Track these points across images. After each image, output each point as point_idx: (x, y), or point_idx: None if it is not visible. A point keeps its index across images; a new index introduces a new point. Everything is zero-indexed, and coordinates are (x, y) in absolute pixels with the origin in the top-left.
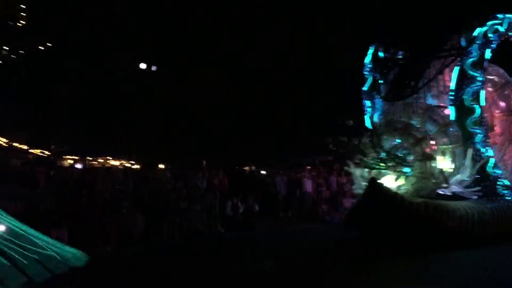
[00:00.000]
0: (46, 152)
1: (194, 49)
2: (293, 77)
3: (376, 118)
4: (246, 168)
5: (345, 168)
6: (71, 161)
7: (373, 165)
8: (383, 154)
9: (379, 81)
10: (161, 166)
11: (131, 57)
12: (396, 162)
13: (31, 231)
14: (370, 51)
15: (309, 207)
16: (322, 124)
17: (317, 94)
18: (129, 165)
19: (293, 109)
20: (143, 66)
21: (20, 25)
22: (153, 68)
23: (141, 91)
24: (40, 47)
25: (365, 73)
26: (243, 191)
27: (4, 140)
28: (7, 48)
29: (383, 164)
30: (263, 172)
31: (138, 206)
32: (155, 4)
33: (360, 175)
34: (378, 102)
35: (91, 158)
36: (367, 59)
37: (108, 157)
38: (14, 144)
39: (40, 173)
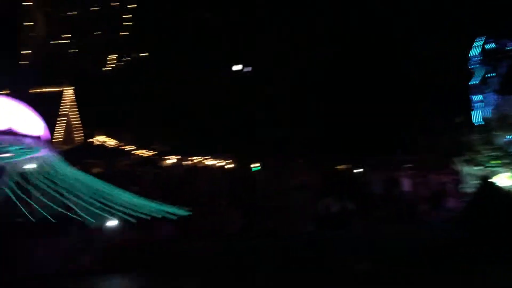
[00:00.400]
0: (150, 153)
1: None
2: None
3: (486, 113)
4: (341, 167)
5: (452, 166)
6: (172, 161)
7: (486, 162)
8: (496, 151)
9: (490, 74)
10: (255, 165)
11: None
12: None
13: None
14: (478, 43)
15: (407, 206)
16: (423, 121)
17: (418, 92)
18: (224, 164)
19: (392, 107)
20: (237, 67)
21: (125, 34)
22: (247, 69)
23: (232, 92)
24: (141, 54)
25: (473, 66)
26: (337, 190)
27: (113, 141)
28: (116, 55)
29: (497, 162)
30: (358, 170)
31: (234, 204)
32: None
33: (469, 173)
34: (489, 96)
35: (189, 158)
36: (474, 52)
37: (205, 157)
38: (122, 145)
39: (146, 172)
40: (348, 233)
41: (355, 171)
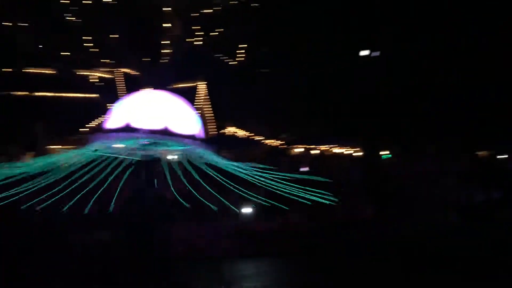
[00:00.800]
0: (278, 142)
1: None
2: None
3: None
4: (482, 152)
5: None
6: (300, 150)
7: None
8: None
9: None
10: (385, 152)
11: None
12: None
13: None
14: None
15: None
16: None
17: None
18: (352, 152)
19: None
20: (364, 52)
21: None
22: (375, 53)
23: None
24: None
25: None
26: (481, 178)
27: (243, 132)
28: (244, 49)
29: None
30: (502, 156)
31: (365, 192)
32: None
33: None
34: None
35: (316, 147)
36: None
37: (332, 145)
38: (251, 135)
39: (275, 161)
40: (495, 225)
41: (498, 157)
